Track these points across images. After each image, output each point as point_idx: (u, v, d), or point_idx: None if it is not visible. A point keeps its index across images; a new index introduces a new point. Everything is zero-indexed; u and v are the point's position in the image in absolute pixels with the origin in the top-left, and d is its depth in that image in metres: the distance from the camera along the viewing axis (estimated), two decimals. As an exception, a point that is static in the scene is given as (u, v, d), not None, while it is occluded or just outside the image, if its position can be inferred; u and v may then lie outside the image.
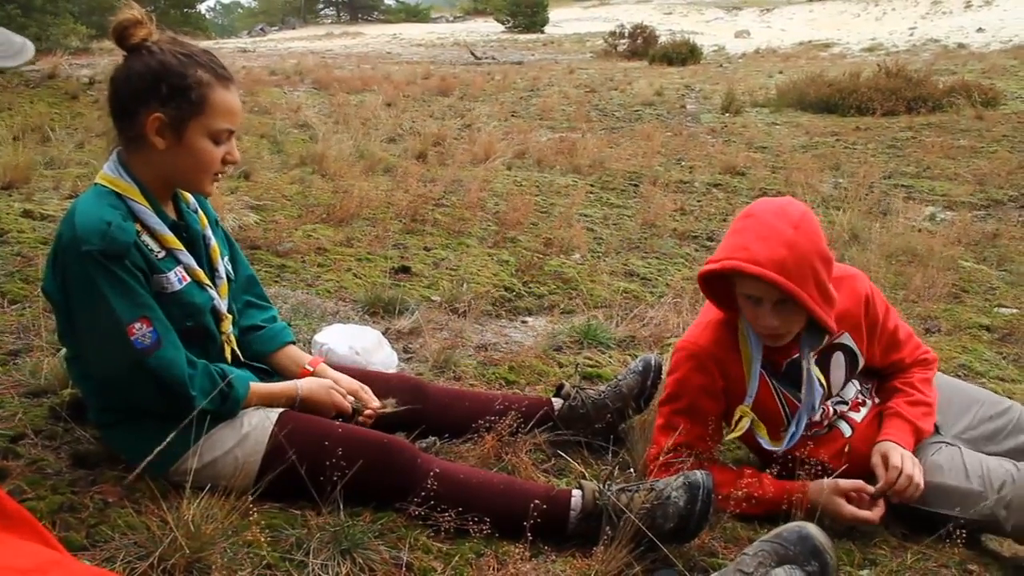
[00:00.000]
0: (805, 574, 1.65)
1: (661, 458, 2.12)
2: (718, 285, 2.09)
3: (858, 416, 2.21)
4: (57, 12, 10.34)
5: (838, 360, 2.16)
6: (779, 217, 1.93)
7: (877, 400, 2.26)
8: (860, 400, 2.23)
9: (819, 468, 2.06)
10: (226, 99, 1.91)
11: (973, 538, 2.01)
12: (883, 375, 2.28)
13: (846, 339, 2.15)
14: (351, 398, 2.18)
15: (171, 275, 1.91)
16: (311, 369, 2.22)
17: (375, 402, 2.21)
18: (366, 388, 2.24)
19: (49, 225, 4.03)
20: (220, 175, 1.98)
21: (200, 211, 2.10)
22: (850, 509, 2.04)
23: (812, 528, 1.74)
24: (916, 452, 2.12)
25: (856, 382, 2.24)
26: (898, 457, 2.05)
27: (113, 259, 1.78)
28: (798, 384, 2.11)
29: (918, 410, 2.17)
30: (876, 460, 2.09)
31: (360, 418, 2.16)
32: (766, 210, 1.98)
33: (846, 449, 2.13)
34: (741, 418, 2.14)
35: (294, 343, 2.30)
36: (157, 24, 1.91)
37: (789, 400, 2.14)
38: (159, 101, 1.84)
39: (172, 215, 1.99)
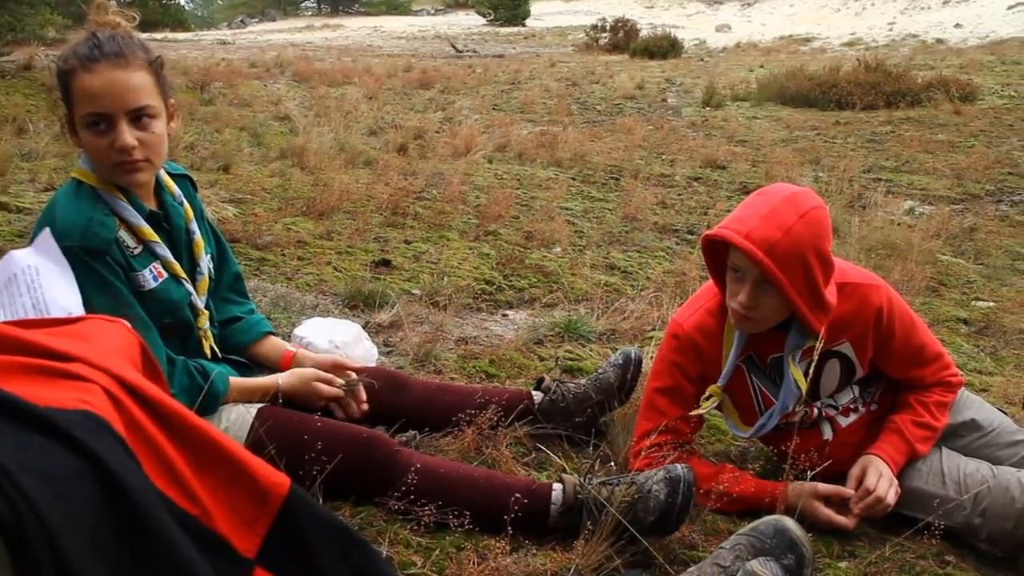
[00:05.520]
0: (781, 566, 1.65)
1: (646, 441, 2.12)
2: (720, 254, 2.06)
3: (845, 421, 2.18)
4: (32, 2, 10.15)
5: (832, 367, 2.13)
6: (788, 202, 1.91)
7: (875, 407, 2.21)
8: (853, 407, 2.19)
9: (805, 466, 2.03)
10: (84, 83, 1.77)
11: (950, 531, 2.02)
12: (901, 386, 2.22)
13: (845, 348, 2.10)
14: (340, 380, 2.16)
15: (146, 273, 1.89)
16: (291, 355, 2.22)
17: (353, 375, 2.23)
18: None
19: (25, 218, 3.98)
20: (129, 164, 1.82)
21: (186, 203, 2.05)
22: (826, 513, 2.04)
23: (788, 521, 1.74)
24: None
25: (855, 388, 2.20)
26: (874, 478, 2.03)
27: (94, 255, 1.76)
28: (778, 382, 2.10)
29: (920, 432, 2.12)
30: (855, 471, 2.08)
31: (353, 401, 2.16)
32: (779, 193, 1.96)
33: (825, 450, 2.12)
34: (710, 396, 2.14)
35: (273, 334, 2.29)
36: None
37: (765, 395, 2.14)
38: (63, 101, 1.84)
39: (151, 205, 1.96)
